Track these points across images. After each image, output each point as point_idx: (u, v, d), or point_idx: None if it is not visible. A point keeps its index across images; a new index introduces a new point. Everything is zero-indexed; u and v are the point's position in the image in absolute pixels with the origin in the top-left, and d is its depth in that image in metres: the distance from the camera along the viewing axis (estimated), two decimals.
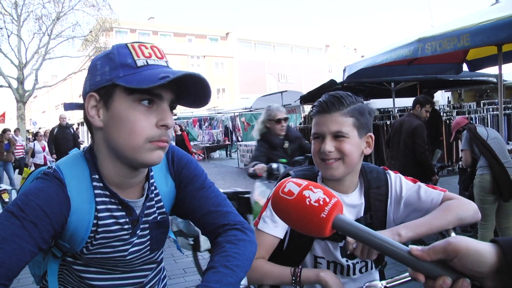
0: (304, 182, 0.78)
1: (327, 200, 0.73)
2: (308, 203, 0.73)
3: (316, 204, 0.73)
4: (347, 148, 1.32)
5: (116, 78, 0.96)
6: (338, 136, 1.33)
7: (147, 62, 0.99)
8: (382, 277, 1.52)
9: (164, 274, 1.42)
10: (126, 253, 1.15)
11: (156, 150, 1.01)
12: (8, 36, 24.85)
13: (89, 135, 1.12)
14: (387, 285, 1.22)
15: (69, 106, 1.12)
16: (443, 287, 0.62)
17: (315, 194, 0.74)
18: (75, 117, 36.08)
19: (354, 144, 1.34)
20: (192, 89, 1.02)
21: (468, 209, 1.32)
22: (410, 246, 0.66)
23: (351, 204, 1.41)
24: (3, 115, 26.56)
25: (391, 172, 1.49)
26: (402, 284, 1.24)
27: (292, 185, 0.77)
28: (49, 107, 55.07)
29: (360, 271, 1.44)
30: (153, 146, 0.99)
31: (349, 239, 1.17)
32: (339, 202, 0.74)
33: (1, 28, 24.38)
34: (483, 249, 0.62)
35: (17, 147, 12.43)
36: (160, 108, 1.00)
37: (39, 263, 1.24)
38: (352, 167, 1.36)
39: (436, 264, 0.64)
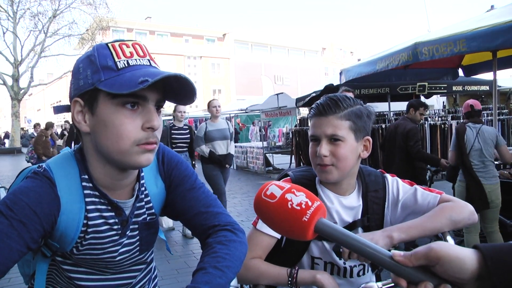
0: (287, 185, 0.78)
1: (310, 203, 0.72)
2: (290, 206, 0.73)
3: (298, 208, 0.72)
4: (342, 152, 1.32)
5: (98, 82, 0.94)
6: (333, 139, 1.33)
7: (128, 63, 0.96)
8: (378, 280, 1.52)
9: (155, 274, 1.42)
10: (116, 253, 1.14)
11: (144, 153, 0.99)
12: (4, 33, 24.80)
13: None
14: (383, 287, 1.23)
15: (58, 110, 1.10)
16: None
17: (298, 197, 0.73)
18: None
19: (349, 148, 1.34)
20: (177, 87, 1.01)
21: (462, 211, 1.31)
22: (392, 251, 0.66)
23: (349, 206, 1.41)
24: None
25: (388, 176, 1.49)
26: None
27: (275, 187, 0.77)
28: (44, 105, 54.85)
29: (358, 275, 1.43)
30: (140, 149, 0.98)
31: (345, 249, 1.17)
32: (321, 205, 0.73)
33: None
34: (464, 256, 0.62)
35: None
36: (146, 110, 0.97)
37: (28, 262, 1.23)
38: (347, 171, 1.36)
39: (418, 270, 0.64)
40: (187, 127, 6.37)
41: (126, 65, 0.95)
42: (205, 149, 5.82)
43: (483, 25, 4.31)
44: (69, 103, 1.04)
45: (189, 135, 6.29)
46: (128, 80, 0.91)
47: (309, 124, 1.41)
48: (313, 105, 1.39)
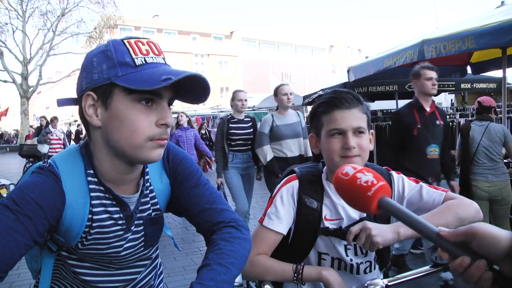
0: (359, 167, 0.91)
1: (375, 182, 0.85)
2: (358, 182, 0.86)
3: (365, 184, 0.85)
4: (365, 143, 1.35)
5: (115, 78, 0.95)
6: (358, 131, 1.35)
7: (145, 60, 0.97)
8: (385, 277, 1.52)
9: (160, 270, 1.43)
10: (120, 249, 1.15)
11: (157, 148, 1.01)
12: (13, 32, 24.98)
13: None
14: (389, 284, 1.23)
15: (62, 102, 1.08)
16: (462, 265, 0.70)
17: (366, 176, 0.87)
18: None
19: (368, 140, 1.38)
20: (191, 87, 1.02)
21: (468, 209, 1.33)
22: (439, 227, 0.75)
23: None
24: (7, 110, 26.67)
25: (394, 173, 1.50)
26: (403, 283, 1.26)
27: (349, 168, 0.91)
28: (53, 103, 55.04)
29: (365, 272, 1.44)
30: (153, 144, 1.00)
31: (352, 229, 1.23)
32: (385, 185, 0.85)
33: (7, 24, 24.54)
34: (499, 235, 0.69)
35: (52, 142, 10.28)
36: (160, 106, 1.00)
37: (36, 257, 1.24)
38: (365, 162, 1.39)
39: (459, 245, 0.72)
40: (249, 119, 5.06)
41: (144, 62, 0.97)
42: (268, 151, 4.46)
43: (492, 21, 4.26)
44: (73, 97, 1.05)
45: (251, 129, 4.97)
46: (149, 77, 0.93)
47: (324, 118, 1.39)
48: (328, 99, 1.38)
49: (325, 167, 1.48)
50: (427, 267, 1.31)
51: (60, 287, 1.24)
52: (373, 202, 0.83)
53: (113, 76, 0.95)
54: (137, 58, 0.97)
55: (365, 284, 1.24)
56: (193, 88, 1.02)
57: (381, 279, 1.26)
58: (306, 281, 1.32)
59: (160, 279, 1.41)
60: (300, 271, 1.31)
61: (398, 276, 1.27)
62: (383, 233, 1.22)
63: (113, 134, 0.99)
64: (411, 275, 1.29)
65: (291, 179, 1.47)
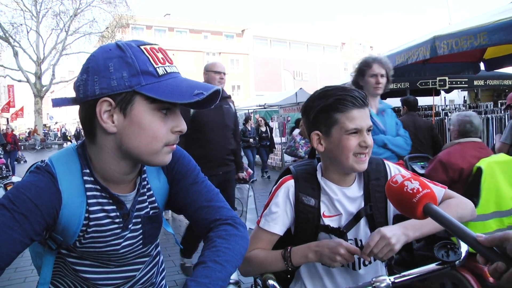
0: (408, 175, 1.00)
1: (420, 190, 0.93)
2: (405, 190, 0.95)
3: (411, 191, 0.93)
4: (371, 141, 1.37)
5: (138, 86, 0.95)
6: (368, 130, 1.37)
7: (165, 70, 0.99)
8: (391, 272, 1.52)
9: (162, 267, 1.44)
10: (118, 247, 1.15)
11: (170, 152, 1.05)
12: (28, 32, 25.40)
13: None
14: (395, 281, 1.24)
15: (57, 102, 1.03)
16: (497, 270, 0.73)
17: (412, 184, 0.95)
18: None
19: None
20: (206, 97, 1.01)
21: (467, 207, 1.40)
22: (476, 234, 0.78)
23: (352, 196, 1.43)
24: (21, 109, 27.13)
25: (389, 163, 1.52)
26: (410, 280, 1.27)
27: (399, 177, 1.00)
28: None
29: (364, 264, 1.44)
30: (168, 149, 1.04)
31: (370, 243, 1.23)
32: (431, 193, 0.92)
33: (21, 24, 24.95)
34: None
35: None
36: (174, 114, 1.02)
37: (41, 254, 1.25)
38: None
39: (495, 252, 0.76)
40: None
41: (165, 72, 0.98)
42: None
43: (506, 16, 4.19)
44: (70, 97, 1.03)
45: None
46: (177, 89, 0.96)
47: (339, 115, 1.35)
48: (344, 97, 1.35)
49: (319, 164, 1.49)
50: (434, 265, 1.32)
51: (62, 284, 1.25)
52: (418, 208, 0.91)
53: (135, 84, 0.95)
54: (158, 67, 0.97)
55: (372, 281, 1.23)
56: (208, 97, 1.01)
57: (387, 275, 1.26)
58: (298, 264, 1.35)
59: (162, 276, 1.42)
60: (289, 254, 1.34)
61: (405, 273, 1.28)
62: (398, 238, 1.24)
63: (130, 140, 0.99)
64: (418, 272, 1.30)
65: (286, 179, 1.47)
